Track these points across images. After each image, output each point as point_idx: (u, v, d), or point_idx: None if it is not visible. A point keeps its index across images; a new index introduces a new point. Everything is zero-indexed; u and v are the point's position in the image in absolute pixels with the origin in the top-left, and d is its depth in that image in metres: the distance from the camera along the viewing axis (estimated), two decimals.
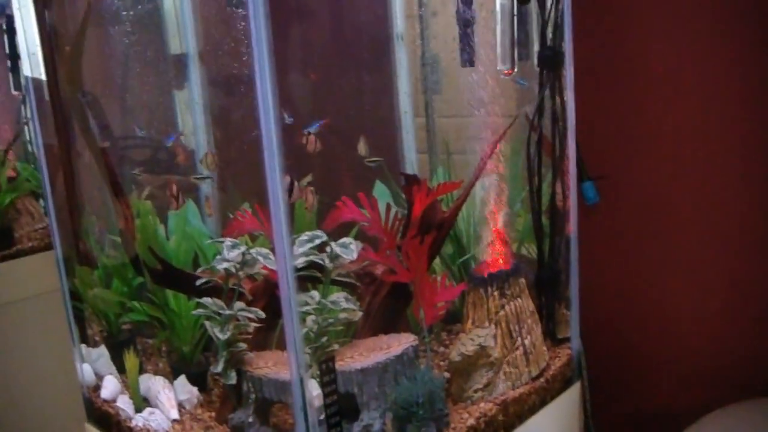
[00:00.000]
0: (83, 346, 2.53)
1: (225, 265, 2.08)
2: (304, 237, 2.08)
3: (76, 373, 2.49)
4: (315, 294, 2.11)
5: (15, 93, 3.54)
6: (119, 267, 2.54)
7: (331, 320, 2.07)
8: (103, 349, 2.51)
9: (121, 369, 2.42)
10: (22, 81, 3.34)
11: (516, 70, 2.30)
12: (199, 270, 2.19)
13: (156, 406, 2.25)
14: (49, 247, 3.07)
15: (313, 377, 1.97)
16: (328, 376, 1.95)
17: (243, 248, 2.08)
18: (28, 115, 3.41)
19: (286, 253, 1.80)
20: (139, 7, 2.58)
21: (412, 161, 2.82)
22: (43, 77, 2.52)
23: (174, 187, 2.37)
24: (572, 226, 2.41)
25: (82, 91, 2.54)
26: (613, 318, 2.74)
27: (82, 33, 2.40)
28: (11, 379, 3.23)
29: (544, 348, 2.37)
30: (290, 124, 2.36)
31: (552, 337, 2.49)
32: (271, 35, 1.71)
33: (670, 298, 2.66)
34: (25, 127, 3.56)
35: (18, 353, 3.25)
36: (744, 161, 2.46)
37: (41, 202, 3.51)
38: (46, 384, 3.22)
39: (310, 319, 2.06)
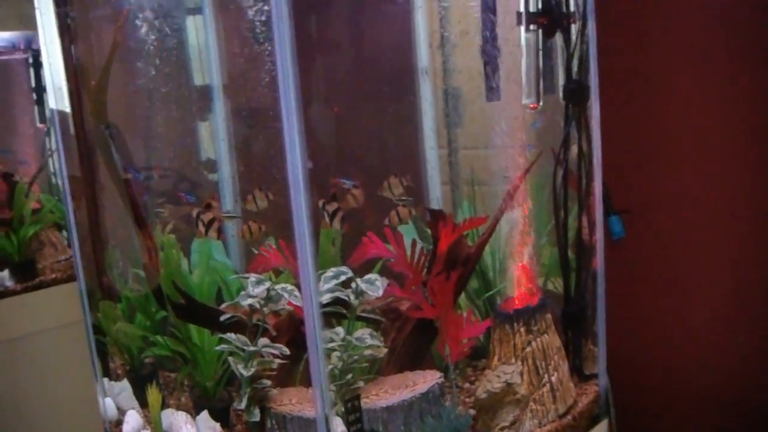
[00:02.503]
0: (105, 380, 2.52)
1: (250, 300, 2.07)
2: (329, 273, 2.07)
3: (98, 406, 2.48)
4: (340, 330, 2.09)
5: (40, 126, 3.58)
6: (142, 301, 2.53)
7: (356, 357, 2.05)
8: (125, 383, 2.50)
9: (143, 403, 2.41)
10: (47, 114, 3.39)
11: (541, 104, 2.29)
12: (223, 305, 2.18)
13: None
14: (71, 278, 3.08)
15: (337, 414, 1.95)
16: (353, 414, 1.93)
17: (268, 284, 2.07)
18: (53, 148, 3.45)
19: (312, 290, 1.79)
20: (165, 42, 2.60)
21: (437, 196, 2.81)
22: (68, 110, 2.54)
23: (210, 215, 2.38)
24: (599, 261, 2.39)
25: (106, 123, 2.56)
26: (640, 354, 2.70)
27: (108, 69, 2.43)
28: (33, 410, 3.23)
29: (571, 384, 2.33)
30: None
31: (579, 373, 2.45)
32: (297, 73, 1.72)
33: (698, 332, 2.62)
34: (50, 160, 3.59)
35: (40, 384, 3.25)
36: None
37: (64, 233, 3.53)
38: (68, 416, 3.21)
39: (335, 355, 2.04)
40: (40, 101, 3.56)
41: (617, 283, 2.45)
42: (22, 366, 3.23)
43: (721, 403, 2.61)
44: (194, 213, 2.44)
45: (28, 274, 3.37)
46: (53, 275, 3.41)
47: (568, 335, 2.43)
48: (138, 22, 2.54)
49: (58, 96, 2.52)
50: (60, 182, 2.62)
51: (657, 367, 2.70)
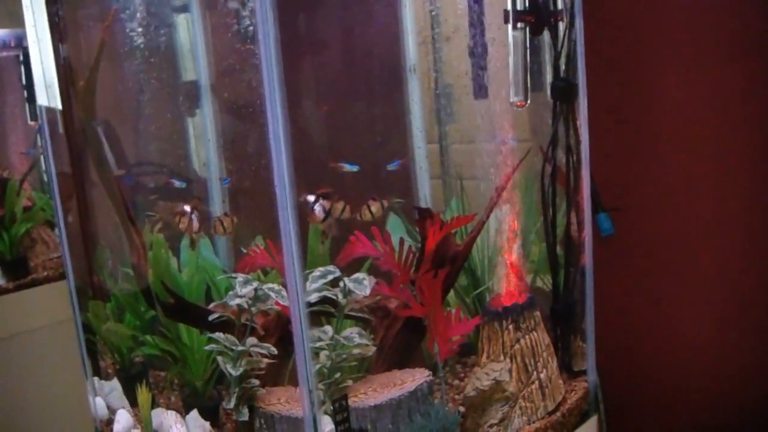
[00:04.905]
0: (96, 379, 2.52)
1: (237, 300, 2.07)
2: (317, 273, 2.07)
3: (88, 405, 2.48)
4: (328, 329, 2.09)
5: (31, 123, 3.57)
6: (131, 300, 2.53)
7: (344, 356, 2.05)
8: (115, 383, 2.50)
9: (133, 402, 2.41)
10: (38, 111, 3.38)
11: (529, 101, 2.29)
12: (212, 305, 2.18)
13: None
14: (63, 276, 3.07)
15: (326, 413, 1.95)
16: (341, 414, 1.94)
17: (256, 284, 2.07)
18: (43, 145, 3.44)
19: (298, 290, 1.79)
20: (152, 40, 2.60)
21: (425, 194, 2.80)
22: (59, 106, 2.54)
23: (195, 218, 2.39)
24: (587, 258, 2.39)
25: (95, 120, 2.55)
26: (629, 350, 2.71)
27: (96, 67, 2.41)
28: (25, 408, 3.23)
29: (560, 381, 2.34)
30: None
31: (568, 369, 2.46)
32: (282, 70, 1.72)
33: (687, 328, 2.63)
34: (41, 157, 3.58)
35: (32, 382, 3.25)
36: (760, 194, 2.43)
37: (56, 231, 3.53)
38: (60, 414, 3.21)
39: (323, 354, 2.04)
40: (32, 99, 3.55)
41: (606, 279, 2.45)
42: (14, 364, 3.23)
43: (710, 398, 2.62)
44: (188, 208, 2.45)
45: (20, 272, 3.36)
46: (45, 273, 3.40)
47: (557, 332, 2.44)
48: (126, 21, 2.54)
49: (49, 93, 2.52)
50: (49, 179, 2.61)
51: (646, 363, 2.71)
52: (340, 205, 2.31)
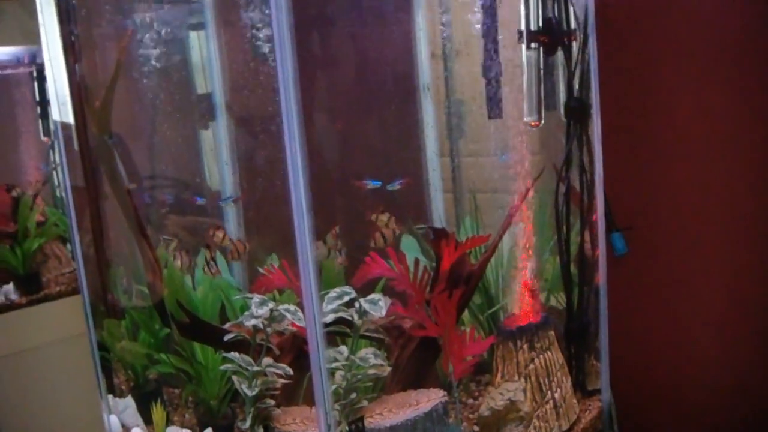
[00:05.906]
0: (110, 396, 2.52)
1: (253, 321, 2.07)
2: (333, 294, 2.07)
3: (102, 421, 2.48)
4: (344, 349, 2.09)
5: (44, 139, 3.59)
6: (146, 318, 2.54)
7: (359, 376, 2.05)
8: (129, 400, 2.50)
9: (147, 420, 2.41)
10: (51, 126, 3.40)
11: (543, 121, 2.29)
12: (227, 324, 2.19)
13: None
14: (76, 291, 3.09)
15: None
16: None
17: (271, 305, 2.08)
18: (57, 161, 3.46)
19: (314, 311, 1.79)
20: (167, 59, 2.61)
21: (440, 214, 2.80)
22: (72, 122, 2.55)
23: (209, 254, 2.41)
24: (601, 277, 2.39)
25: (110, 134, 2.56)
26: (643, 369, 2.70)
27: (112, 87, 2.43)
28: (38, 423, 3.23)
29: (575, 401, 2.33)
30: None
31: (582, 389, 2.45)
32: (299, 90, 1.72)
33: (701, 347, 2.62)
34: (53, 173, 3.60)
35: (45, 397, 3.26)
36: None
37: (69, 246, 3.54)
38: (73, 430, 3.22)
39: (338, 374, 2.04)
40: (45, 115, 3.57)
41: (620, 298, 2.45)
42: (27, 379, 3.24)
43: (723, 417, 2.61)
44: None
45: (32, 287, 3.38)
46: (58, 288, 3.42)
47: (571, 351, 2.43)
48: (141, 40, 2.55)
49: (62, 111, 2.53)
50: (63, 195, 2.62)
51: (660, 382, 2.70)
52: (385, 217, 2.33)
